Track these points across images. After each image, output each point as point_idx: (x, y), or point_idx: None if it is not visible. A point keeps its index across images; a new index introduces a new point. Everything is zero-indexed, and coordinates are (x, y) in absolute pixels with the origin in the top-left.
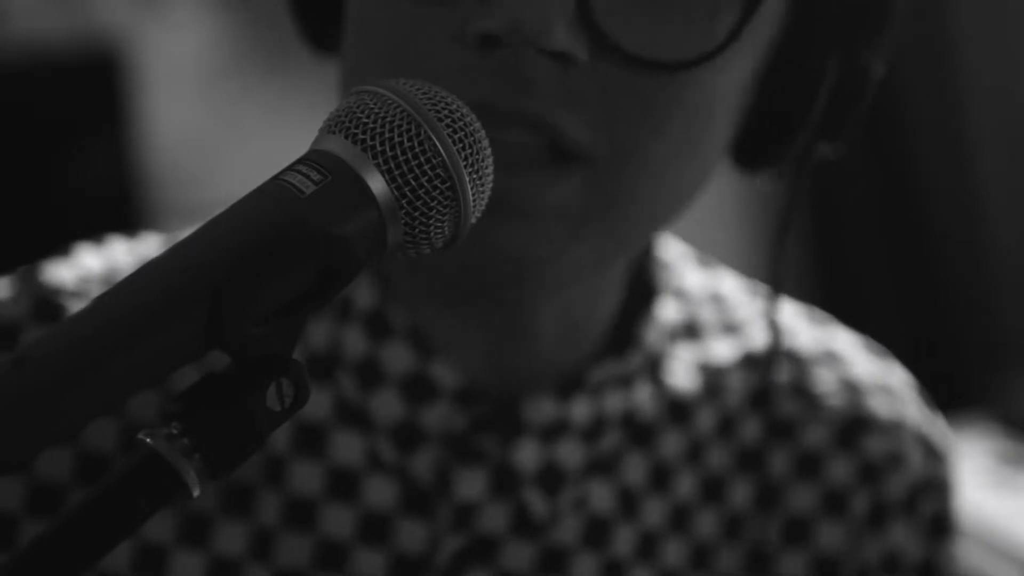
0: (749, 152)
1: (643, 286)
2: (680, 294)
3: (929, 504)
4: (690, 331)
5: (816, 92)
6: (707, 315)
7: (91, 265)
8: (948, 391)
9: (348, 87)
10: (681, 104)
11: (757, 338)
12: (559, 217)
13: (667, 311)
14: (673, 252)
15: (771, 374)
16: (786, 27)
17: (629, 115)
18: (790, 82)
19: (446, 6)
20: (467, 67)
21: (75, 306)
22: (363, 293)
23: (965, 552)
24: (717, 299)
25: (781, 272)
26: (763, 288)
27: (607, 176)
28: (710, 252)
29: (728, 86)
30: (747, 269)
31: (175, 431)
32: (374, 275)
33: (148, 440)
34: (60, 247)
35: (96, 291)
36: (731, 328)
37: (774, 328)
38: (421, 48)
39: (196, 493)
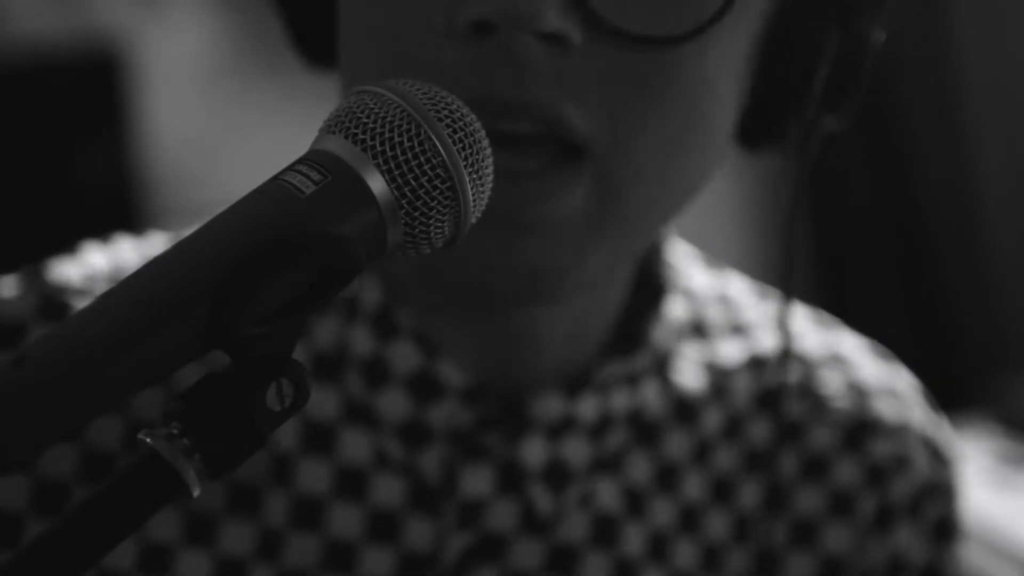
0: (753, 129)
1: (650, 285)
2: (688, 294)
3: (934, 508)
4: (698, 331)
5: (816, 64)
6: (715, 316)
7: (97, 263)
8: (948, 391)
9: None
10: (679, 84)
11: (764, 340)
12: (569, 227)
13: (675, 310)
14: (680, 253)
15: (781, 375)
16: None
17: (628, 98)
18: (789, 56)
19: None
20: (459, 60)
21: (81, 304)
22: (369, 293)
23: (965, 552)
24: (725, 300)
25: (791, 268)
26: (771, 290)
27: (612, 170)
28: (713, 253)
29: (726, 62)
30: (750, 271)
31: (175, 431)
32: (380, 275)
33: (148, 440)
34: (60, 247)
35: (102, 290)
36: (739, 329)
37: (784, 329)
38: (412, 46)
39: (196, 493)
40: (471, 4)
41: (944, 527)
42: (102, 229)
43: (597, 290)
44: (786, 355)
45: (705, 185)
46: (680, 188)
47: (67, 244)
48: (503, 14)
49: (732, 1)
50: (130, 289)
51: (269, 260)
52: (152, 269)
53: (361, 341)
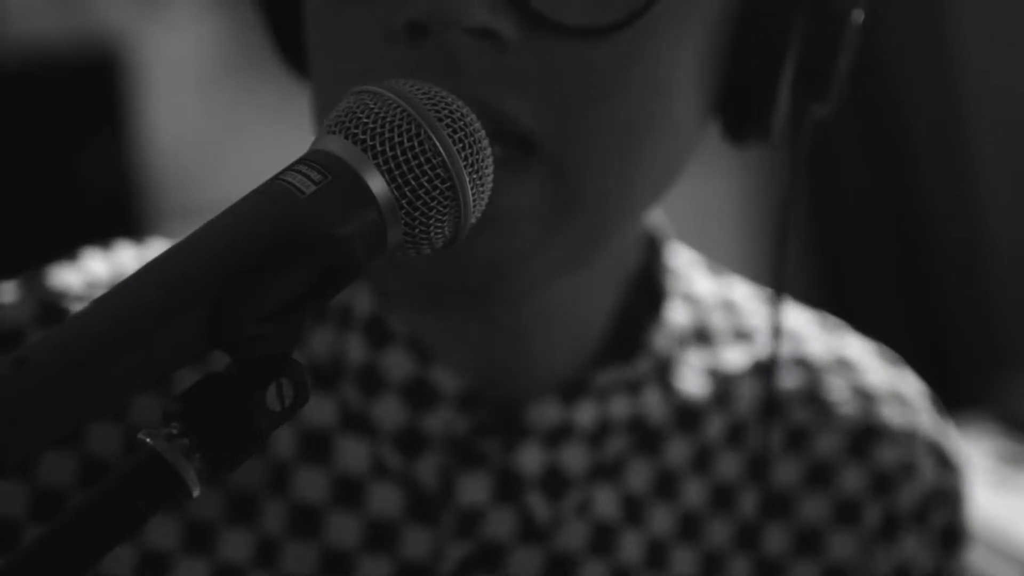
0: (735, 119)
1: (649, 291)
2: (690, 300)
3: (941, 515)
4: (701, 337)
5: (786, 46)
6: (718, 321)
7: (98, 270)
8: (948, 391)
9: (314, 104)
10: (627, 75)
11: (769, 346)
12: (527, 217)
13: (677, 316)
14: (682, 259)
15: (775, 380)
16: None
17: (573, 93)
18: (761, 39)
19: (372, 5)
20: (399, 63)
21: None
22: (363, 301)
23: (966, 553)
24: (728, 306)
25: (785, 267)
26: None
27: (565, 164)
28: (711, 253)
29: (678, 52)
30: (749, 270)
31: (175, 431)
32: (373, 283)
33: (148, 440)
34: (60, 247)
35: None
36: (742, 335)
37: (776, 331)
38: (361, 52)
39: (196, 493)
40: (404, 7)
41: (951, 534)
42: (102, 229)
43: (566, 285)
44: (779, 360)
45: (677, 176)
46: (644, 179)
47: (67, 244)
48: (430, 13)
49: None
50: (130, 289)
51: (269, 260)
52: (152, 269)
53: (355, 349)
